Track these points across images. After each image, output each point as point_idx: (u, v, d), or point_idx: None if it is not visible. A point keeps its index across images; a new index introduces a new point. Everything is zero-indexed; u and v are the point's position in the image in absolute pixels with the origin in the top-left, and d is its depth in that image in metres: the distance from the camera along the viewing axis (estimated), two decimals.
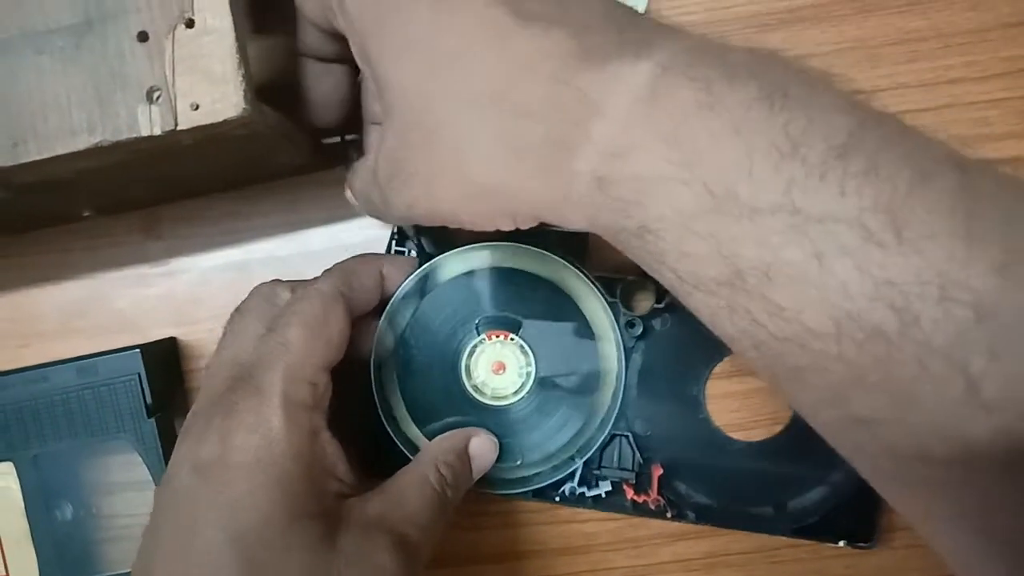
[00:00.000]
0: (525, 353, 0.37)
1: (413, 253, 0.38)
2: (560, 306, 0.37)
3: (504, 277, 0.37)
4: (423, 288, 0.37)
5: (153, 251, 0.42)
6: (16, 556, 0.38)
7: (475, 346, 0.37)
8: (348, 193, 0.34)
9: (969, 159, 0.22)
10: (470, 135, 0.26)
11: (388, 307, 0.36)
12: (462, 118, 0.26)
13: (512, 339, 0.37)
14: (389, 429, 0.36)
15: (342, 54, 0.32)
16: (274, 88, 0.40)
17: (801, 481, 0.37)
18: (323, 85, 0.33)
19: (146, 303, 0.42)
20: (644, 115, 0.23)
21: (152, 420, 0.37)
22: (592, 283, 0.36)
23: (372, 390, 0.36)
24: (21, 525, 0.38)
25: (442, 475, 0.32)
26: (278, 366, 0.29)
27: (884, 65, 0.40)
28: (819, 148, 0.21)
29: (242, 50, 0.30)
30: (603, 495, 0.38)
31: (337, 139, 0.40)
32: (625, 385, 0.37)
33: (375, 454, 0.36)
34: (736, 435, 0.39)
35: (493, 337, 0.37)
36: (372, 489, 0.31)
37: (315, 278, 0.34)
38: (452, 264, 0.37)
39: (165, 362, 0.40)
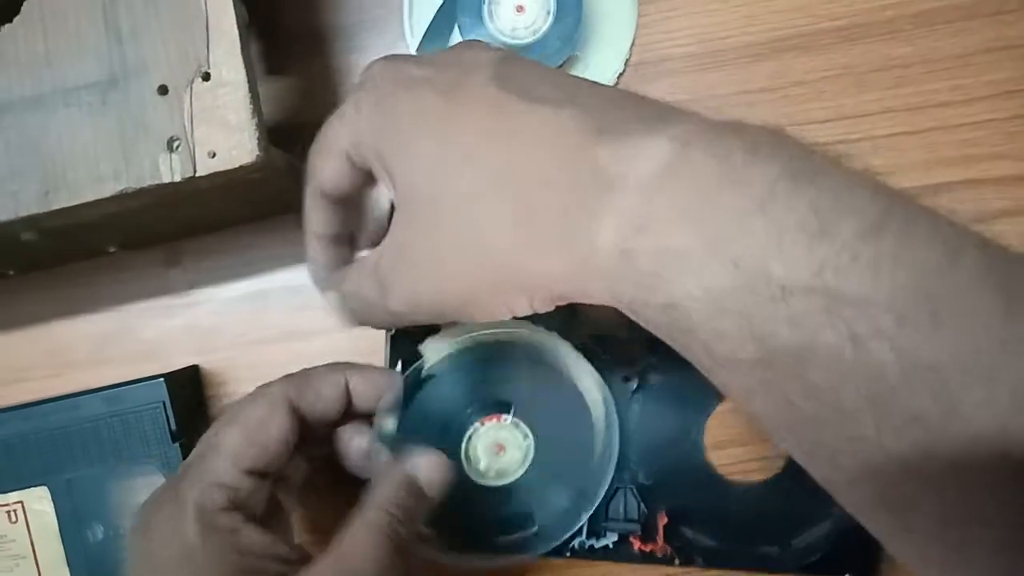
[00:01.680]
0: (520, 428, 0.37)
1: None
2: (544, 373, 0.37)
3: (486, 359, 0.37)
4: (406, 395, 0.36)
5: (176, 283, 0.44)
6: None
7: (471, 435, 0.37)
8: (331, 296, 0.33)
9: (983, 236, 0.22)
10: (483, 211, 0.26)
11: (374, 427, 0.35)
12: (476, 196, 0.26)
13: (506, 419, 0.37)
14: None
15: (349, 229, 0.33)
16: (287, 128, 0.42)
17: (804, 518, 0.38)
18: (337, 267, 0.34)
19: (170, 333, 0.44)
20: (666, 189, 0.23)
21: (177, 445, 0.39)
22: (567, 341, 0.37)
23: None
24: (56, 546, 0.40)
25: (392, 515, 0.31)
26: (198, 475, 0.30)
27: (871, 91, 0.41)
28: (849, 228, 0.21)
29: (255, 100, 0.32)
30: (611, 546, 0.38)
31: None
32: (624, 437, 0.38)
33: None
34: (737, 477, 0.39)
35: (487, 422, 0.37)
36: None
37: (272, 382, 0.34)
38: (429, 357, 0.37)
39: (188, 389, 0.42)
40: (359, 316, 0.32)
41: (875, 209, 0.21)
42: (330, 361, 0.37)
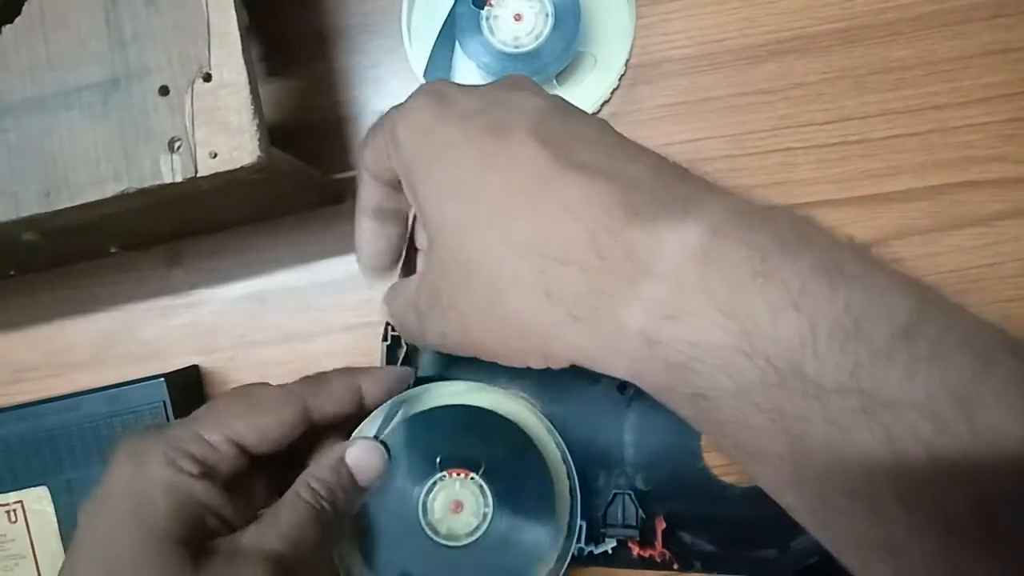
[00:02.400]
0: (484, 495, 0.36)
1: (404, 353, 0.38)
2: (519, 445, 0.36)
3: (469, 414, 0.37)
4: (389, 421, 0.36)
5: (177, 283, 0.44)
6: None
7: (435, 482, 0.36)
8: (384, 307, 0.34)
9: (1018, 340, 0.22)
10: (507, 278, 0.26)
11: (359, 427, 0.35)
12: (500, 261, 0.26)
13: (472, 478, 0.36)
14: (335, 559, 0.35)
15: (397, 211, 0.33)
16: (287, 130, 0.42)
17: None
18: (378, 243, 0.34)
19: (170, 333, 0.44)
20: (697, 278, 0.23)
21: None
22: (543, 418, 0.37)
23: None
24: (56, 547, 0.40)
25: (314, 489, 0.32)
26: (187, 424, 0.31)
27: (871, 93, 0.42)
28: (883, 329, 0.21)
29: (256, 101, 0.32)
30: (609, 551, 0.38)
31: (349, 175, 0.42)
32: (622, 444, 0.38)
33: None
34: (735, 479, 0.39)
35: (454, 474, 0.36)
36: None
37: (291, 383, 0.35)
38: (419, 401, 0.37)
39: (188, 389, 0.42)
40: (404, 336, 0.34)
41: (908, 309, 0.21)
42: (330, 361, 0.37)
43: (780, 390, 0.21)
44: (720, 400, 0.23)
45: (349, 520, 0.35)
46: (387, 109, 0.31)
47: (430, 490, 0.36)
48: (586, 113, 0.29)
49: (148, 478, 0.29)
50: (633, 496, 0.39)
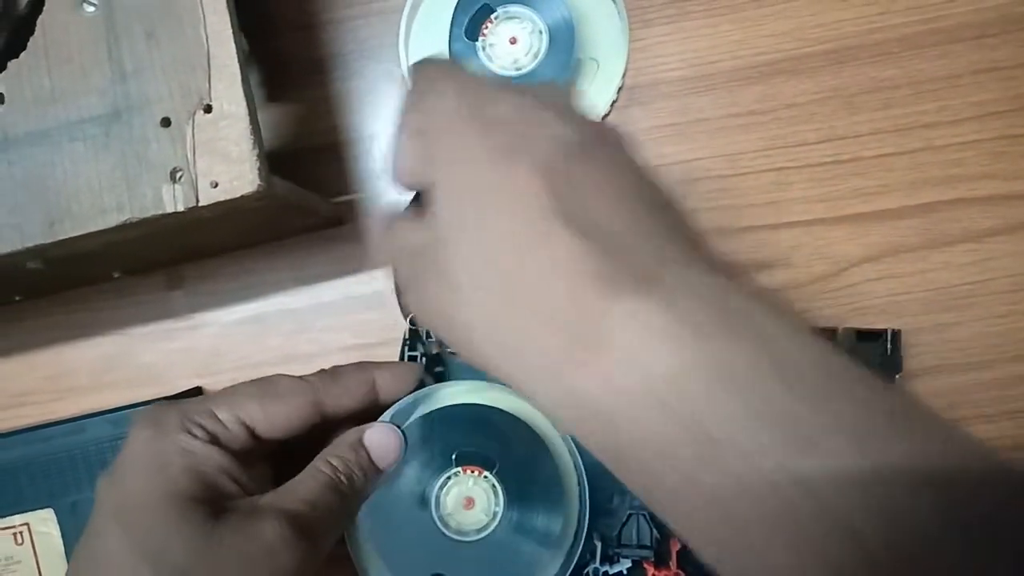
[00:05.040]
0: (496, 493, 0.37)
1: (423, 360, 0.39)
2: (533, 448, 0.37)
3: (487, 414, 0.37)
4: (408, 414, 0.37)
5: (177, 307, 0.45)
6: None
7: (448, 478, 0.37)
8: (373, 232, 0.35)
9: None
10: (479, 308, 0.27)
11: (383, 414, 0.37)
12: (477, 288, 0.27)
13: (486, 477, 0.37)
14: (349, 547, 0.36)
15: None
16: (286, 154, 0.43)
17: None
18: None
19: (172, 356, 0.45)
20: (645, 354, 0.24)
21: None
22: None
23: None
24: (62, 568, 0.41)
25: (333, 465, 0.33)
26: (203, 399, 0.34)
27: (861, 112, 0.42)
28: (837, 440, 0.22)
29: (256, 131, 0.32)
30: (624, 572, 0.38)
31: (347, 198, 0.43)
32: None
33: None
34: None
35: (468, 471, 0.37)
36: None
37: (308, 374, 0.36)
38: (438, 397, 0.38)
39: None
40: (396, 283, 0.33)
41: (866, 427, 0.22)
42: None
43: (716, 463, 0.23)
44: (658, 473, 0.24)
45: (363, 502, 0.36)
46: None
47: (443, 485, 0.37)
48: (603, 145, 0.28)
49: (165, 440, 0.32)
50: (647, 516, 0.39)
